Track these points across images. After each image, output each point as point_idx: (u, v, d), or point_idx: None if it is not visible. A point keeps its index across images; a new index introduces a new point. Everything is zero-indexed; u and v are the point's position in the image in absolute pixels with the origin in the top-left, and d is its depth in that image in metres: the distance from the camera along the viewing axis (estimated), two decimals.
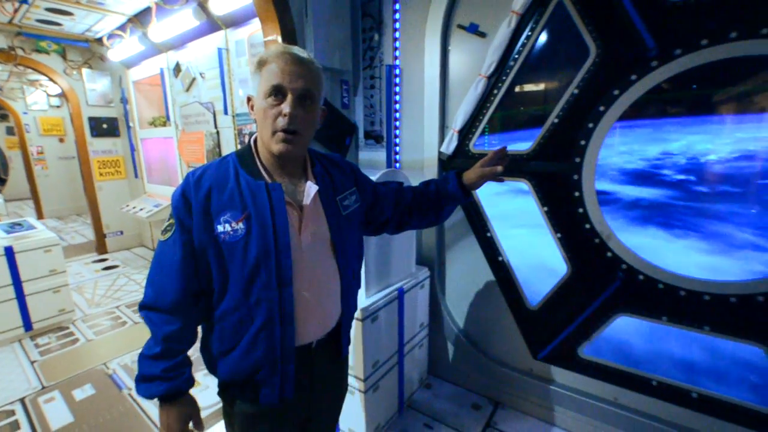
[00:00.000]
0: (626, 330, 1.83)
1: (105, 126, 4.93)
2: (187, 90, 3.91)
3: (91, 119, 4.80)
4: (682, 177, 1.60)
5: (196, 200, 0.91)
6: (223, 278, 0.93)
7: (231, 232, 0.90)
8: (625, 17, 1.52)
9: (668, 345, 1.77)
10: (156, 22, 3.56)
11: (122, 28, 4.06)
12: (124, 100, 4.88)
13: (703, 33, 1.41)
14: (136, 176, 5.11)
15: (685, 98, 1.53)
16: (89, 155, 4.84)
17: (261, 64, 0.92)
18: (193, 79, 3.80)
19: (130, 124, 4.94)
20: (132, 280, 4.23)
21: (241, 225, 0.90)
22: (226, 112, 3.51)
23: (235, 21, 3.12)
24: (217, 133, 3.67)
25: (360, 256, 1.20)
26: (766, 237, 1.48)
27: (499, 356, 2.23)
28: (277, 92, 0.89)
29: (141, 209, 4.53)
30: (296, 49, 0.93)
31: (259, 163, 0.97)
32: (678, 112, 1.56)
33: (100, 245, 5.09)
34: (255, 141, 1.01)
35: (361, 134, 2.48)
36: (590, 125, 1.67)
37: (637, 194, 1.69)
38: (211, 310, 0.97)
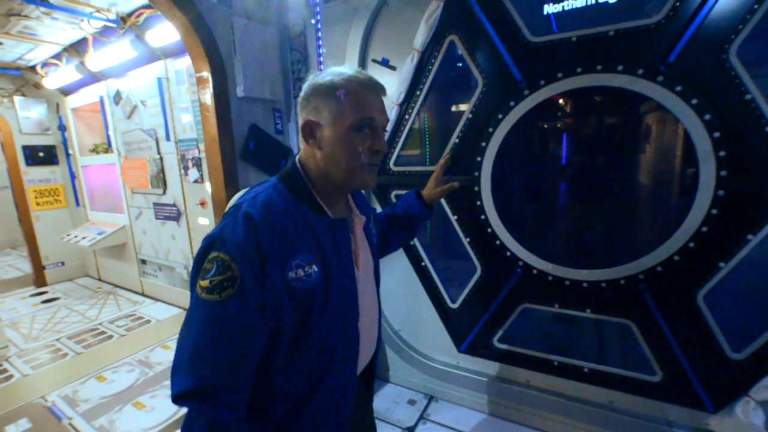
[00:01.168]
0: (533, 318, 2.11)
1: (41, 154, 4.79)
2: (129, 117, 3.94)
3: (25, 147, 4.65)
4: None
5: (270, 244, 0.77)
6: (296, 332, 0.82)
7: (304, 278, 0.80)
8: (499, 56, 1.84)
9: (565, 329, 2.07)
10: (93, 52, 3.60)
11: (57, 57, 4.04)
12: (62, 128, 4.78)
13: (558, 68, 1.75)
14: (78, 204, 4.97)
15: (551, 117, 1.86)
16: (24, 184, 4.67)
17: (337, 87, 0.84)
18: (135, 107, 3.85)
19: (70, 152, 4.84)
20: (75, 311, 4.09)
21: (314, 268, 0.82)
22: (168, 139, 3.58)
23: (174, 52, 3.23)
24: (161, 159, 3.72)
25: None
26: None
27: (431, 353, 2.45)
28: (369, 125, 0.85)
29: (83, 238, 4.42)
30: (374, 78, 0.89)
31: (316, 195, 0.89)
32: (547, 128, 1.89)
33: (39, 278, 4.86)
34: (303, 170, 0.91)
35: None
36: (483, 144, 1.96)
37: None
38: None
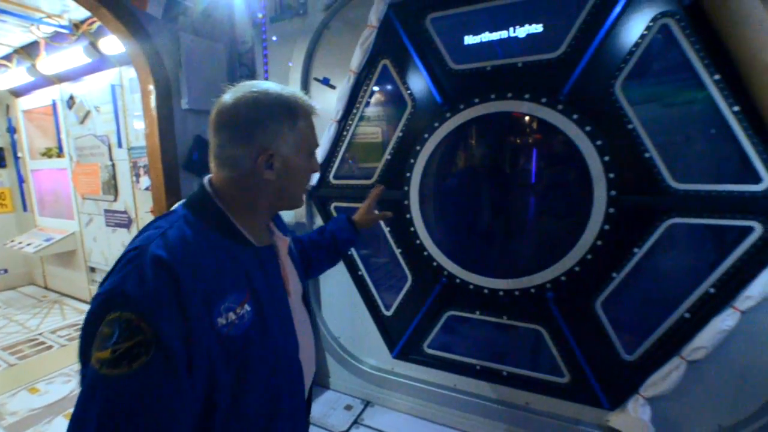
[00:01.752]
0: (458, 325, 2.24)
1: None
2: (82, 122, 3.90)
3: None
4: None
5: (192, 290, 0.64)
6: (235, 382, 0.71)
7: (236, 321, 0.70)
8: (423, 81, 2.00)
9: (488, 335, 2.21)
10: (45, 56, 3.56)
11: (8, 58, 3.96)
12: (11, 130, 4.64)
13: (475, 94, 1.92)
14: (25, 209, 4.80)
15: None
16: None
17: (297, 115, 0.81)
18: (88, 112, 3.81)
19: (19, 155, 4.69)
20: (14, 321, 3.93)
21: (246, 308, 0.72)
22: (120, 146, 3.57)
23: (129, 60, 3.25)
24: (113, 165, 3.69)
25: None
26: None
27: (368, 360, 2.53)
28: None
29: (28, 244, 4.28)
30: None
31: (237, 224, 0.80)
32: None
33: None
34: (217, 195, 0.80)
35: None
36: (412, 161, 2.10)
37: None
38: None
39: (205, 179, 0.84)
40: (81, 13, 3.03)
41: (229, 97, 0.79)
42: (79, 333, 0.65)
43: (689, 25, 1.52)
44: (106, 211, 3.86)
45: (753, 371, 1.65)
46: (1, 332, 3.69)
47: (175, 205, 0.83)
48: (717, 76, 1.51)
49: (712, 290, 1.65)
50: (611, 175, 1.72)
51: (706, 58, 1.52)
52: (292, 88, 0.86)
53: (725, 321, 1.61)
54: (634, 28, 1.62)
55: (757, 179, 1.52)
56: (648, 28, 1.59)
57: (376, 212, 1.51)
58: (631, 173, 1.70)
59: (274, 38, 2.41)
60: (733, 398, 1.70)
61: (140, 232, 0.75)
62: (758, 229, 1.55)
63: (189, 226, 0.73)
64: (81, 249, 4.27)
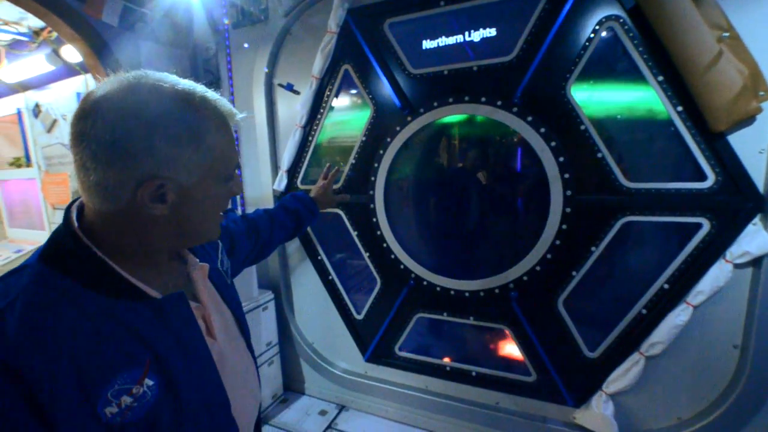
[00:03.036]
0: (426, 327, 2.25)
1: None
2: (49, 131, 3.81)
3: None
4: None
5: (57, 383, 0.50)
6: None
7: (134, 405, 0.56)
8: (383, 85, 2.00)
9: (457, 336, 2.22)
10: (7, 64, 3.47)
11: None
12: None
13: (434, 98, 1.93)
14: None
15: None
16: None
17: (206, 129, 0.61)
18: (55, 121, 3.72)
19: None
20: None
21: (147, 382, 0.57)
22: None
23: None
24: None
25: None
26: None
27: (342, 364, 2.52)
28: (236, 169, 0.70)
29: None
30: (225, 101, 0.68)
31: (122, 271, 0.60)
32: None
33: None
34: (91, 236, 0.60)
35: None
36: (375, 165, 2.10)
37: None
38: None
39: (73, 210, 0.63)
40: (40, 20, 2.96)
41: (101, 91, 0.57)
42: None
43: (632, 28, 1.56)
44: None
45: (708, 364, 1.69)
46: None
47: (31, 255, 0.61)
48: (660, 78, 1.55)
49: (666, 286, 1.69)
50: (566, 176, 1.74)
51: (650, 60, 1.55)
52: (200, 86, 0.64)
53: (679, 316, 1.65)
54: (582, 32, 1.64)
55: (703, 177, 1.57)
56: (594, 31, 1.62)
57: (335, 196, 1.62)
58: (585, 173, 1.73)
59: (245, 45, 2.38)
60: (691, 391, 1.74)
61: None
62: (706, 225, 1.59)
63: (44, 289, 0.55)
64: None
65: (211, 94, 0.65)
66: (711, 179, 1.55)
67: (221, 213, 0.70)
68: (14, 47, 3.27)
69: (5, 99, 4.07)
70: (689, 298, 1.63)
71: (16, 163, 4.41)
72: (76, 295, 0.56)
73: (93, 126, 0.55)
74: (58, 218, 3.96)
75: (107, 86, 0.58)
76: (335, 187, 2.24)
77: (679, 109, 1.55)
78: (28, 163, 4.20)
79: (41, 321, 0.52)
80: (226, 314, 0.81)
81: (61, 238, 0.60)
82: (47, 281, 0.56)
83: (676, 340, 1.68)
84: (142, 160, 0.56)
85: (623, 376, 1.77)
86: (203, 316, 0.72)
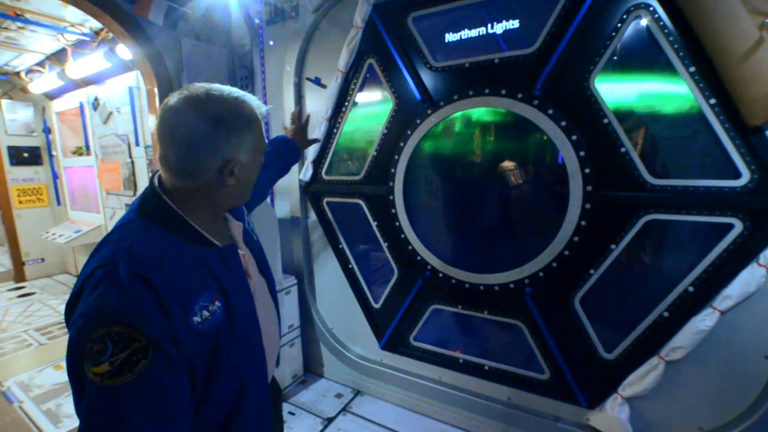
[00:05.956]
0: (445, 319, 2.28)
1: (26, 155, 5.03)
2: (105, 122, 4.17)
3: (10, 148, 4.90)
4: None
5: (171, 296, 0.70)
6: (208, 370, 0.76)
7: (210, 317, 0.76)
8: (405, 80, 2.03)
9: (471, 329, 2.23)
10: (72, 61, 3.84)
11: (41, 64, 4.29)
12: (47, 130, 5.03)
13: (455, 90, 1.94)
14: (59, 203, 5.19)
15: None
16: (7, 183, 4.90)
17: (253, 121, 0.83)
18: (110, 113, 4.07)
19: (53, 153, 5.07)
20: (47, 306, 4.28)
21: (217, 304, 0.78)
22: (138, 144, 3.80)
23: None
24: (132, 162, 3.94)
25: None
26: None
27: (359, 351, 2.60)
28: None
29: (60, 235, 4.63)
30: None
31: (197, 226, 0.82)
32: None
33: (19, 273, 5.07)
34: (173, 200, 0.81)
35: None
36: (396, 157, 2.14)
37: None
38: None
39: (155, 182, 0.83)
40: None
41: (181, 107, 0.77)
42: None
43: (662, 17, 1.49)
44: (127, 205, 4.12)
45: (736, 373, 1.60)
46: (35, 315, 4.03)
47: (125, 214, 0.83)
48: (692, 69, 1.47)
49: (691, 289, 1.61)
50: (587, 171, 1.70)
51: (681, 50, 1.48)
52: (242, 91, 0.85)
53: (704, 321, 1.57)
54: (609, 21, 1.59)
55: (737, 174, 1.48)
56: (621, 20, 1.56)
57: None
58: (607, 168, 1.68)
59: (270, 42, 2.51)
60: (715, 401, 1.65)
61: (96, 251, 0.75)
62: (738, 226, 1.50)
63: (152, 236, 0.76)
64: None
65: (251, 96, 0.86)
66: (746, 177, 1.46)
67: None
68: (78, 47, 3.61)
69: (71, 94, 4.49)
70: (716, 303, 1.54)
71: (78, 152, 4.86)
72: (171, 240, 0.77)
73: (187, 132, 0.76)
74: (111, 202, 4.34)
75: (185, 101, 0.78)
76: (358, 177, 2.32)
77: (712, 101, 1.46)
78: (88, 152, 4.62)
79: (156, 253, 0.73)
80: (258, 276, 1.02)
81: (154, 204, 0.81)
82: (152, 230, 0.77)
83: (700, 346, 1.60)
84: (220, 150, 0.79)
85: (641, 379, 1.71)
86: (243, 262, 0.93)
